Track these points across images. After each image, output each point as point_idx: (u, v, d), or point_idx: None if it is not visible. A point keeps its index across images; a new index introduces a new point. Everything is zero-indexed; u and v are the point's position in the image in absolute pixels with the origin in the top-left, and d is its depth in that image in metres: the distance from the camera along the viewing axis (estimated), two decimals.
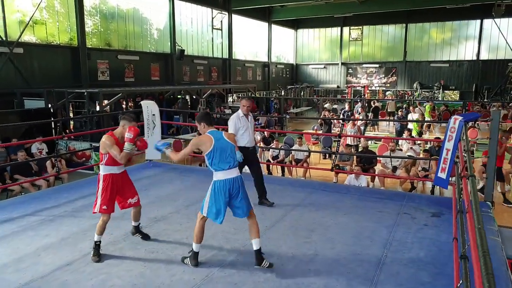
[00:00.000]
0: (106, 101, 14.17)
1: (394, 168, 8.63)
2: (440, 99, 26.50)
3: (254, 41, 28.06)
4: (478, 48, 27.22)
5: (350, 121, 11.96)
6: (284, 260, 3.66)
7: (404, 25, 29.00)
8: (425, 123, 15.27)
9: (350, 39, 31.29)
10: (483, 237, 1.75)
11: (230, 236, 4.13)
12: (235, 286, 3.23)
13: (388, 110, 19.83)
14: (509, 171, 8.12)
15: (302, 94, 29.94)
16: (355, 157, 9.20)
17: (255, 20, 27.32)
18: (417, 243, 4.02)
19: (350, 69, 31.61)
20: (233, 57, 25.07)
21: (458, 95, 27.57)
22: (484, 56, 27.27)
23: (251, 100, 5.48)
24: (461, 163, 4.23)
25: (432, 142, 9.86)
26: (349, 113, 15.87)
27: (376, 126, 17.53)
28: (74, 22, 14.93)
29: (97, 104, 13.26)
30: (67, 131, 12.65)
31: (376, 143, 12.10)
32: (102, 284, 3.26)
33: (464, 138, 4.35)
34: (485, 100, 24.48)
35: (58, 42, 14.84)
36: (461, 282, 2.39)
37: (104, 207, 3.68)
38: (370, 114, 18.84)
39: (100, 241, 3.70)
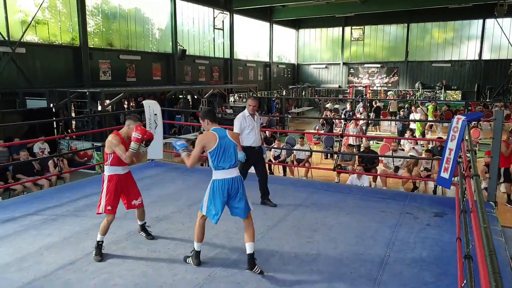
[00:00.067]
0: (108, 101, 14.20)
1: (396, 168, 8.62)
2: (442, 99, 26.42)
3: (255, 41, 28.05)
4: (480, 48, 27.16)
5: (352, 121, 11.94)
6: (286, 260, 3.65)
7: (406, 25, 28.96)
8: (427, 123, 15.23)
9: (352, 39, 31.27)
10: (489, 236, 1.73)
11: (233, 236, 4.13)
12: (238, 285, 3.22)
13: (390, 110, 19.80)
14: None
15: (303, 94, 29.94)
16: (357, 157, 9.19)
17: (256, 20, 27.32)
18: (420, 243, 4.01)
19: (351, 69, 31.57)
20: (235, 57, 25.08)
21: (460, 95, 27.50)
22: (486, 56, 27.21)
23: (257, 99, 5.41)
24: (464, 162, 4.21)
25: (434, 142, 9.84)
26: (351, 113, 15.82)
27: (378, 126, 17.49)
28: (76, 22, 14.97)
29: (99, 104, 13.27)
30: (69, 130, 12.67)
31: (378, 143, 12.07)
32: (105, 283, 3.26)
33: (467, 138, 4.34)
34: (487, 100, 24.40)
35: (60, 42, 14.87)
36: (465, 282, 2.37)
37: (109, 207, 3.69)
38: (372, 114, 18.79)
39: (102, 241, 3.71)
